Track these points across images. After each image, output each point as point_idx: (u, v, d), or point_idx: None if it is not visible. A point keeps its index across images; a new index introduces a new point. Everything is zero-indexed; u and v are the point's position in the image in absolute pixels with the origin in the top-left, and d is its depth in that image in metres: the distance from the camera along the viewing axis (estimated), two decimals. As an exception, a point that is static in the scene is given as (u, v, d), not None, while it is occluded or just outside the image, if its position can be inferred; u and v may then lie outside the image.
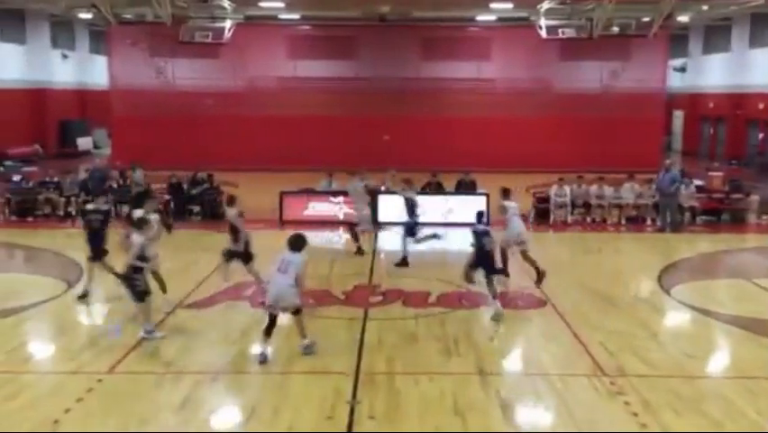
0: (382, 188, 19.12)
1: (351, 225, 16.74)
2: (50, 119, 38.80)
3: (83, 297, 12.47)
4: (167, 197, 20.58)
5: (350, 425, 7.90)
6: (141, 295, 10.47)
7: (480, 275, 12.01)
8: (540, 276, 13.08)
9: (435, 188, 20.85)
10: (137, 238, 10.50)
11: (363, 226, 16.42)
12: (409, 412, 8.19)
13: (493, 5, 29.61)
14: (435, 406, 8.35)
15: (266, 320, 9.78)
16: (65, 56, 41.71)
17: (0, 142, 32.09)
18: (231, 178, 22.90)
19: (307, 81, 33.28)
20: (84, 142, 40.03)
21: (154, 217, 12.26)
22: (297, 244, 9.85)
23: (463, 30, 34.22)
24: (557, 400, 8.55)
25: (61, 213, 20.32)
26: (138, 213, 12.22)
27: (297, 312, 9.91)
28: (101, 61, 40.26)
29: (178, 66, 33.53)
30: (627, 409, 8.30)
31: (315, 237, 14.71)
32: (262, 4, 30.03)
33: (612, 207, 20.79)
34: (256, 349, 9.80)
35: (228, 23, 30.16)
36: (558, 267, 14.62)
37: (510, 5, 29.47)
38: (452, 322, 11.52)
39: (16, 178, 22.16)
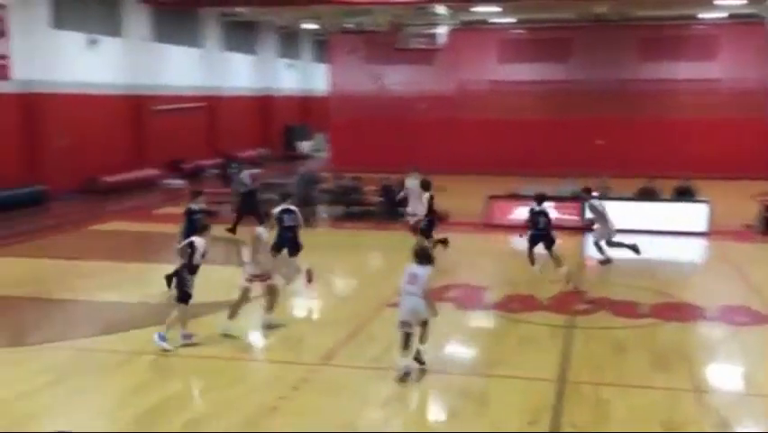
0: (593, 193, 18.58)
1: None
2: (276, 124, 41.50)
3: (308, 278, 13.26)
4: (378, 198, 21.29)
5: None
6: (186, 296, 10.42)
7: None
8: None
9: (649, 195, 19.97)
10: (200, 241, 10.47)
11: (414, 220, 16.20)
12: (616, 424, 7.94)
13: (718, 2, 27.93)
14: (644, 420, 8.02)
15: (399, 336, 9.30)
16: (290, 65, 44.43)
17: (231, 145, 34.77)
18: (440, 181, 23.22)
19: (518, 84, 33.07)
20: (305, 146, 42.35)
21: (261, 230, 11.46)
22: (425, 257, 9.50)
23: (687, 28, 32.46)
24: (779, 425, 7.96)
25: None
26: (260, 231, 11.44)
27: (425, 323, 9.49)
28: (322, 69, 42.44)
29: (393, 72, 34.58)
30: None
31: (521, 241, 14.60)
32: (477, 9, 30.26)
33: None
34: (399, 363, 9.20)
35: (443, 29, 30.67)
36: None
37: (739, 2, 27.65)
38: (664, 334, 11.02)
39: (243, 179, 23.79)
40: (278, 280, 11.15)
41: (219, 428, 7.83)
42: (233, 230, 17.87)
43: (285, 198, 13.90)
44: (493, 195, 20.52)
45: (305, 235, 16.13)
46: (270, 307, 11.22)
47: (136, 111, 29.55)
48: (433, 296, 9.72)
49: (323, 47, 43.04)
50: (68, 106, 25.06)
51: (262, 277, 11.01)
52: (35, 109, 24.33)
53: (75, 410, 8.37)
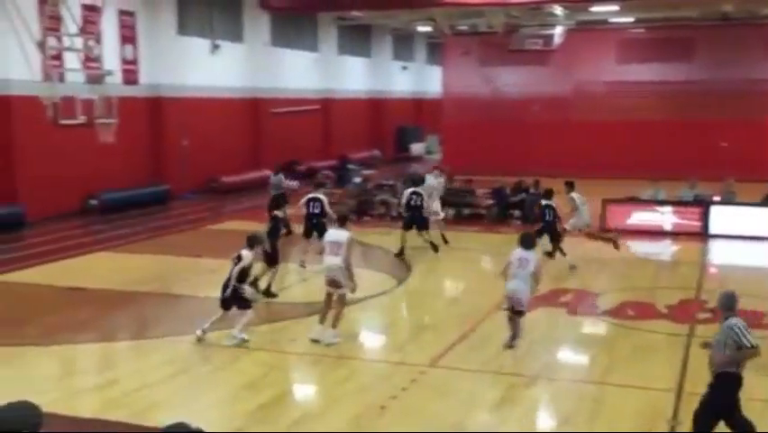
0: (716, 198, 17.92)
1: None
2: (389, 126, 41.85)
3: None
4: (490, 201, 21.14)
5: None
6: (248, 303, 10.61)
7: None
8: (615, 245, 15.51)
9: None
10: (246, 254, 10.52)
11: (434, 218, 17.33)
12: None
13: None
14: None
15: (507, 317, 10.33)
16: (404, 67, 44.71)
17: (345, 146, 35.29)
18: (553, 185, 22.86)
19: (637, 85, 32.09)
20: (417, 148, 42.51)
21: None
22: (531, 241, 10.49)
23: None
24: None
25: (394, 213, 21.69)
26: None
27: (521, 313, 10.19)
28: (436, 71, 42.50)
29: (507, 73, 34.27)
30: None
31: (639, 247, 14.19)
32: (594, 9, 29.61)
33: None
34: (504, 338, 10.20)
35: (559, 30, 30.18)
36: None
37: None
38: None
39: (357, 180, 24.16)
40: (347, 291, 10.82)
41: (328, 426, 7.96)
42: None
43: (318, 186, 15.24)
44: (608, 199, 20.01)
45: (415, 237, 16.27)
46: (336, 320, 10.69)
47: (254, 113, 30.43)
48: (547, 301, 9.62)
49: (436, 49, 43.12)
50: (190, 109, 26.06)
51: (335, 284, 10.68)
52: (160, 112, 25.44)
53: (192, 402, 8.69)
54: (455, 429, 7.86)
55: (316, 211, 14.83)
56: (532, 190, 21.07)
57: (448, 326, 11.51)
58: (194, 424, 3.86)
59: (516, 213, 21.17)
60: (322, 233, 13.76)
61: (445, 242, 17.25)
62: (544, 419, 8.49)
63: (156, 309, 12.98)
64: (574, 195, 15.88)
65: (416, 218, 16.33)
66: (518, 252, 10.26)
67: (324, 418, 8.20)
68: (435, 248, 16.52)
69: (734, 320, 6.87)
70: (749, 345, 6.67)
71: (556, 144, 31.62)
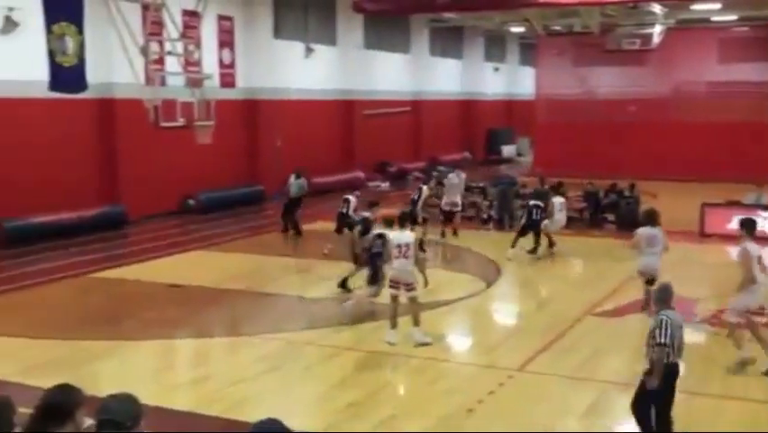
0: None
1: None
2: (479, 128, 41.61)
3: None
4: (582, 204, 20.76)
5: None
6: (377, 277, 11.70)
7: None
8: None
9: None
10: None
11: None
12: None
13: None
14: None
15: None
16: (496, 68, 44.37)
17: (435, 148, 35.28)
18: (651, 187, 22.37)
19: (738, 86, 30.95)
20: (508, 150, 42.10)
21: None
22: (656, 218, 11.56)
23: None
24: None
25: (485, 216, 21.56)
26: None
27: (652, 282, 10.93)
28: (528, 72, 42.05)
29: (602, 74, 33.62)
30: None
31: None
32: (695, 7, 28.69)
33: None
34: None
35: (657, 29, 29.40)
36: None
37: None
38: None
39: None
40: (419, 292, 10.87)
41: (416, 427, 7.99)
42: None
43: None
44: (708, 202, 19.37)
45: (504, 239, 16.16)
46: (416, 319, 10.76)
47: (346, 115, 30.79)
48: (637, 306, 9.40)
49: (529, 50, 42.64)
50: (284, 112, 26.54)
51: (408, 286, 10.70)
52: (255, 114, 26.02)
53: (283, 399, 8.87)
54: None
55: (344, 211, 16.53)
56: (627, 194, 20.61)
57: (537, 330, 11.38)
58: (285, 421, 3.95)
59: (610, 217, 20.72)
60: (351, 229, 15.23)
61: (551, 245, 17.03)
62: (635, 428, 8.27)
63: (248, 307, 13.30)
64: (556, 200, 16.84)
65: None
66: (647, 230, 11.41)
67: (411, 419, 8.23)
68: (534, 250, 16.59)
69: (663, 314, 7.12)
70: (659, 342, 6.89)
71: (653, 146, 30.79)
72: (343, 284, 13.37)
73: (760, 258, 9.42)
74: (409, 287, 10.61)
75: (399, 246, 10.60)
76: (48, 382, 4.48)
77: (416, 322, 10.65)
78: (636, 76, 32.73)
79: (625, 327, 11.62)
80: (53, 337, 11.05)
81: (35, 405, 4.17)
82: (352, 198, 16.98)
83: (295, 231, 19.38)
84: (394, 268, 10.67)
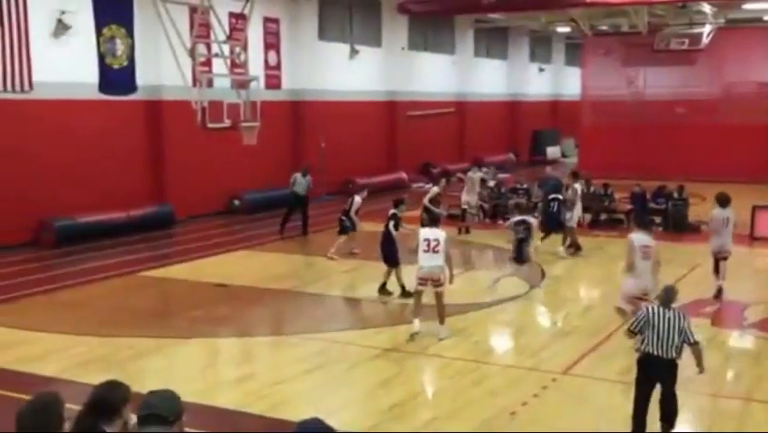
0: None
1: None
2: (524, 129, 41.34)
3: None
4: (628, 206, 20.49)
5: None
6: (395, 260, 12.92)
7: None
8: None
9: None
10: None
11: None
12: None
13: None
14: None
15: None
16: (541, 69, 44.01)
17: (479, 149, 35.12)
18: (699, 189, 21.98)
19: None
20: (553, 151, 41.75)
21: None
22: (728, 200, 12.62)
23: None
24: None
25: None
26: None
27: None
28: (574, 73, 41.64)
29: (650, 74, 33.15)
30: None
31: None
32: (747, 6, 28.13)
33: None
34: None
35: (707, 29, 28.90)
36: None
37: None
38: None
39: (491, 183, 23.95)
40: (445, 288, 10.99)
41: (458, 429, 7.97)
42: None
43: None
44: (759, 205, 18.97)
45: (547, 240, 16.06)
46: (441, 317, 10.94)
47: (390, 116, 30.82)
48: (689, 311, 9.25)
49: (575, 50, 42.24)
50: (329, 113, 26.66)
51: (436, 282, 10.85)
52: (300, 116, 26.19)
53: (325, 399, 8.91)
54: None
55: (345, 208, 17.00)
56: (676, 196, 20.27)
57: (582, 333, 11.28)
58: (327, 420, 3.97)
59: (658, 219, 20.38)
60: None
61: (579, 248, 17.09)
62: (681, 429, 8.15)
63: (292, 307, 13.40)
64: (577, 185, 17.31)
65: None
66: (720, 211, 12.47)
67: (454, 420, 8.21)
68: (577, 248, 16.97)
69: (647, 307, 7.74)
70: (628, 327, 7.72)
71: (702, 148, 30.21)
72: (383, 288, 13.35)
73: None
74: (437, 283, 10.73)
75: (428, 240, 10.68)
76: (96, 379, 4.58)
77: (442, 320, 10.87)
78: (685, 76, 32.19)
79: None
80: (101, 335, 11.26)
81: (84, 401, 4.26)
82: (357, 198, 17.23)
83: (303, 230, 19.74)
84: (422, 266, 10.76)
